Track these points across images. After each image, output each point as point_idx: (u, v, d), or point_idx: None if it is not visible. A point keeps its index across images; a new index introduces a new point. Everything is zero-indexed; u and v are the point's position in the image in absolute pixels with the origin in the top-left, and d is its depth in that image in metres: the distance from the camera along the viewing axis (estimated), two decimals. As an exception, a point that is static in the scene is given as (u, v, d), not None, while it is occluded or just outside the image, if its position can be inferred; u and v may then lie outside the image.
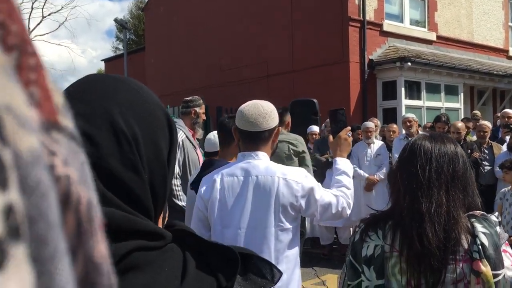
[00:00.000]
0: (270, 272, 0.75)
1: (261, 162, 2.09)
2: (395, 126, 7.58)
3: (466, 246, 1.44)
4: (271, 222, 2.03)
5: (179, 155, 4.09)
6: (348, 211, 2.14)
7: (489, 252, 1.42)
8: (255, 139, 2.11)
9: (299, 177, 2.05)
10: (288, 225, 2.05)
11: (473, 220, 1.47)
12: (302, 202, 2.03)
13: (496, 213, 1.62)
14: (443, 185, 1.48)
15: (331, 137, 2.38)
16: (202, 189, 2.20)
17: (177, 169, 4.04)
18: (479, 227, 1.45)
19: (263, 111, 2.09)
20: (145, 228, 0.66)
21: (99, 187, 0.65)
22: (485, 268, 1.40)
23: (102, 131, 0.69)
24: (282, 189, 2.01)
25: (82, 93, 0.72)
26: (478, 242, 1.43)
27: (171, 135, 0.78)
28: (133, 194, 0.69)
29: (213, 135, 3.65)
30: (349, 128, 2.37)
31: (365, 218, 1.64)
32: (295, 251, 2.12)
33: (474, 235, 1.44)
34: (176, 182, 4.00)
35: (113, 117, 0.70)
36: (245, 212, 2.07)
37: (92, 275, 0.29)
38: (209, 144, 3.62)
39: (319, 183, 2.15)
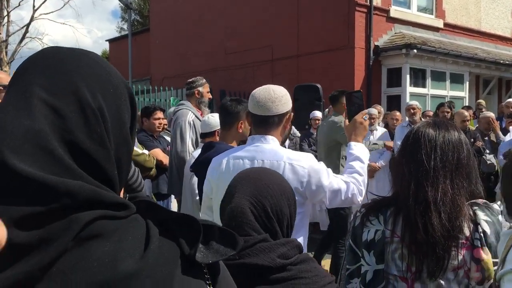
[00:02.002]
0: (233, 241, 0.77)
1: (268, 146, 2.07)
2: (398, 113, 7.55)
3: (468, 233, 1.44)
4: None
5: (192, 134, 4.21)
6: (360, 198, 2.09)
7: (490, 240, 1.42)
8: (264, 123, 2.09)
9: (306, 163, 2.01)
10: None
11: (475, 208, 1.47)
12: (309, 188, 1.99)
13: (499, 202, 1.62)
14: (448, 173, 1.47)
15: (347, 121, 2.33)
16: (209, 171, 2.21)
17: (191, 148, 4.16)
18: (481, 215, 1.45)
19: (274, 95, 2.07)
20: (110, 199, 0.68)
21: (66, 159, 0.66)
22: (486, 256, 1.41)
23: (69, 105, 0.69)
24: (288, 174, 1.98)
25: (45, 67, 0.72)
26: (480, 230, 1.43)
27: (132, 108, 0.79)
28: (99, 166, 0.70)
29: (208, 116, 3.70)
30: (365, 111, 2.31)
31: (366, 203, 1.64)
32: (300, 240, 2.04)
33: (476, 223, 1.44)
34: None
35: (79, 90, 0.71)
36: None
37: None
38: (205, 125, 3.67)
39: (328, 168, 2.09)
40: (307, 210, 2.09)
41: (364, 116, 2.28)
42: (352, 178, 2.10)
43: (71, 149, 0.67)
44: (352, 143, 2.24)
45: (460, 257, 1.43)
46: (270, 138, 2.08)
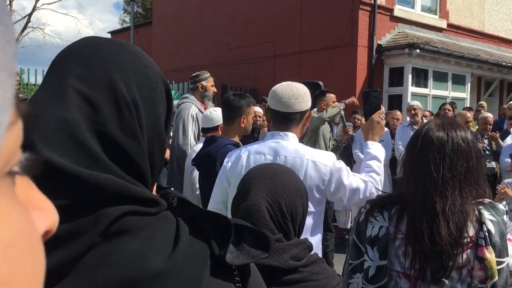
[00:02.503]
0: (266, 243, 0.74)
1: (290, 143, 2.07)
2: (398, 113, 7.55)
3: (472, 233, 1.43)
4: None
5: (194, 128, 4.24)
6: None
7: (495, 239, 1.41)
8: (286, 120, 2.09)
9: (328, 161, 2.02)
10: (312, 208, 1.99)
11: (481, 207, 1.47)
12: (330, 186, 2.00)
13: (504, 202, 1.62)
14: (456, 183, 1.45)
15: (363, 120, 2.34)
16: (228, 165, 2.18)
17: (193, 142, 4.18)
18: (486, 214, 1.45)
19: (297, 92, 2.07)
20: (141, 195, 0.66)
21: (97, 151, 0.64)
22: (489, 255, 1.40)
23: (103, 96, 0.68)
24: (311, 171, 1.99)
25: (82, 57, 0.71)
26: (485, 229, 1.43)
27: (168, 101, 0.77)
28: (131, 160, 0.68)
29: (210, 111, 3.70)
30: (382, 110, 2.31)
31: (370, 199, 1.64)
32: (317, 238, 2.06)
33: (481, 222, 1.44)
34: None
35: (115, 82, 0.69)
36: None
37: None
38: (206, 120, 3.67)
39: (348, 168, 2.10)
40: (324, 208, 2.10)
41: (381, 116, 2.27)
42: (369, 177, 2.10)
43: (103, 141, 0.66)
44: (370, 142, 2.24)
45: (465, 256, 1.43)
46: (290, 135, 2.08)
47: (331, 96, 5.33)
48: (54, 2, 33.86)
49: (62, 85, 0.67)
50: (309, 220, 1.99)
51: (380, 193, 1.69)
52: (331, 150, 5.50)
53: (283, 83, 2.13)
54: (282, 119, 2.09)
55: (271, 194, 1.28)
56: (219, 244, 0.69)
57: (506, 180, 4.99)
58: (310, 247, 1.27)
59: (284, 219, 1.27)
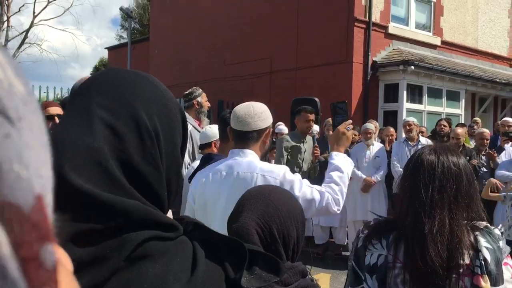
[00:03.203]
0: (276, 268, 0.77)
1: (245, 159, 2.13)
2: (391, 129, 7.61)
3: (468, 261, 1.44)
4: None
5: (189, 146, 4.25)
6: (335, 207, 2.09)
7: (490, 268, 1.42)
8: (243, 138, 2.16)
9: (278, 174, 2.05)
10: None
11: (477, 233, 1.47)
12: None
13: (500, 226, 1.62)
14: (445, 204, 1.46)
15: (331, 132, 2.36)
16: (192, 183, 2.30)
17: (187, 159, 4.18)
18: (482, 241, 1.45)
19: (253, 111, 2.15)
20: (161, 220, 0.68)
21: (121, 178, 0.67)
22: (485, 284, 1.41)
23: (127, 125, 0.71)
24: (259, 184, 2.00)
25: (106, 87, 0.74)
26: (481, 257, 1.43)
27: (184, 129, 0.81)
28: (151, 188, 0.71)
29: (206, 128, 3.80)
30: (349, 121, 2.33)
31: (368, 223, 1.64)
32: None
33: (477, 249, 1.44)
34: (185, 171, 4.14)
35: (137, 112, 0.72)
36: (227, 208, 2.11)
37: None
38: (203, 137, 3.76)
39: (304, 179, 2.13)
40: None
41: (347, 127, 2.28)
42: (328, 187, 2.12)
43: (125, 169, 0.68)
44: (334, 153, 2.26)
45: (461, 283, 1.43)
46: (248, 152, 2.15)
47: (306, 115, 5.30)
48: (52, 18, 34.07)
49: (89, 113, 0.70)
50: None
51: (373, 215, 1.69)
52: (308, 170, 5.50)
53: (243, 103, 2.22)
54: (240, 137, 2.18)
55: (263, 217, 1.26)
56: (234, 268, 0.72)
57: (503, 193, 5.03)
58: (303, 271, 1.25)
59: (275, 243, 1.25)
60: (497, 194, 5.04)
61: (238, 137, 2.19)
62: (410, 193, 1.51)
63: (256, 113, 2.14)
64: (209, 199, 2.18)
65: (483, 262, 1.42)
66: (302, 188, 2.05)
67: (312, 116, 5.32)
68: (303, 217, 1.37)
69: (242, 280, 0.71)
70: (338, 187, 2.12)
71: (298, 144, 5.47)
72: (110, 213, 0.63)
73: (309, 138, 5.54)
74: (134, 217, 0.64)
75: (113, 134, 0.69)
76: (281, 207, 1.29)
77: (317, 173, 5.51)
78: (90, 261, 0.60)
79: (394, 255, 1.51)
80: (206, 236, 0.75)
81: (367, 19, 10.75)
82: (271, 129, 2.22)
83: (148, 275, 0.64)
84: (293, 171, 2.17)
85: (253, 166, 2.09)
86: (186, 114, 4.52)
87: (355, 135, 2.24)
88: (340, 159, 2.23)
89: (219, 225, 2.10)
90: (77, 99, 0.75)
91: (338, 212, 2.15)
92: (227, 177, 2.12)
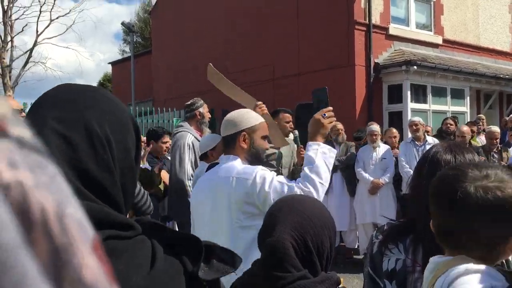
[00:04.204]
0: (232, 260, 0.83)
1: (228, 163, 2.21)
2: (394, 130, 7.56)
3: None
4: (229, 220, 2.12)
5: (191, 156, 4.27)
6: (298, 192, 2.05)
7: None
8: (224, 143, 2.31)
9: (250, 173, 2.10)
10: (247, 222, 2.08)
11: None
12: (258, 197, 2.07)
13: None
14: None
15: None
16: (192, 194, 2.54)
17: (190, 170, 4.21)
18: None
19: (226, 118, 2.29)
20: (119, 220, 0.74)
21: (76, 185, 0.72)
22: None
23: (79, 135, 0.76)
24: (236, 187, 2.10)
25: (58, 101, 0.80)
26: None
27: (137, 136, 0.87)
28: (106, 191, 0.77)
29: (206, 137, 3.97)
30: (329, 108, 2.22)
31: (381, 227, 1.61)
32: (257, 256, 2.07)
33: None
34: (189, 183, 4.18)
35: (89, 122, 0.78)
36: (212, 212, 2.19)
37: None
38: (201, 146, 3.90)
39: (277, 175, 2.14)
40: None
41: (323, 114, 2.18)
42: (300, 181, 2.10)
43: (80, 175, 0.74)
44: (309, 143, 2.20)
45: None
46: (232, 157, 2.23)
47: (285, 116, 5.09)
48: (55, 36, 34.33)
49: (41, 125, 0.75)
50: (248, 234, 2.03)
51: (385, 219, 1.66)
52: (292, 173, 5.27)
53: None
54: (223, 143, 2.33)
55: (297, 229, 1.25)
56: (191, 261, 0.77)
57: None
58: (337, 281, 1.24)
59: (310, 254, 1.24)
60: None
61: (222, 143, 2.34)
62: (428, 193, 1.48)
63: (227, 119, 2.28)
64: (199, 206, 2.30)
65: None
66: (273, 182, 2.08)
67: (290, 117, 5.18)
68: (334, 225, 1.36)
69: (200, 273, 0.76)
70: (309, 179, 2.08)
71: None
72: None
73: (290, 140, 5.29)
74: (90, 218, 0.67)
75: (66, 142, 0.75)
76: (314, 217, 1.29)
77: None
78: None
79: (413, 258, 1.47)
80: (164, 234, 0.80)
81: (367, 21, 10.76)
82: (246, 133, 2.23)
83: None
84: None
85: (231, 169, 2.17)
86: (187, 125, 4.53)
87: (331, 123, 2.00)
88: (313, 149, 2.16)
89: (208, 230, 2.16)
90: (30, 114, 0.80)
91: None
92: (211, 182, 2.24)
